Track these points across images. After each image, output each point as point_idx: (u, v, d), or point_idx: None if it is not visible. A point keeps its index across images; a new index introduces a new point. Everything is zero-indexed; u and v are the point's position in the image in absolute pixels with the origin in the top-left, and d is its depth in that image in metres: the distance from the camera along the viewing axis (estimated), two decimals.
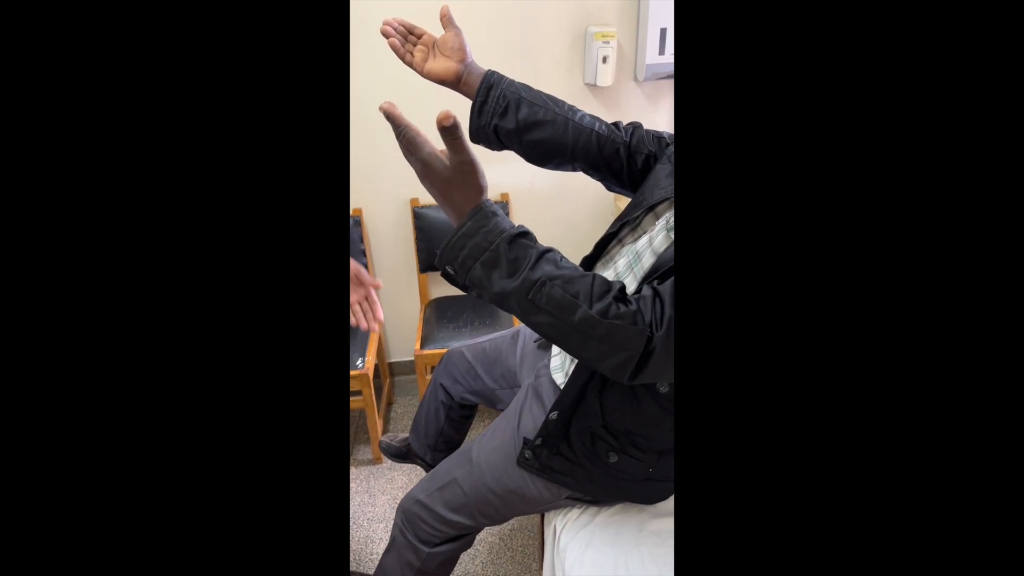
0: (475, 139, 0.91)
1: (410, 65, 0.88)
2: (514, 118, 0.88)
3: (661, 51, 1.62)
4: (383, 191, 1.79)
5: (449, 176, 0.63)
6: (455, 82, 0.88)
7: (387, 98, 1.64)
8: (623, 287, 0.65)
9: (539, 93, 0.90)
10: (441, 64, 0.87)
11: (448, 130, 0.60)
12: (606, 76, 1.64)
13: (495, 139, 0.91)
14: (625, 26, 1.65)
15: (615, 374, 0.65)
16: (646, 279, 0.71)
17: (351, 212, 1.78)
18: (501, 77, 0.89)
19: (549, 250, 0.65)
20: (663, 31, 1.59)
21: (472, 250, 0.63)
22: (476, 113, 0.88)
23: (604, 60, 1.62)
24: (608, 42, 1.60)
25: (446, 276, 0.67)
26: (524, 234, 0.65)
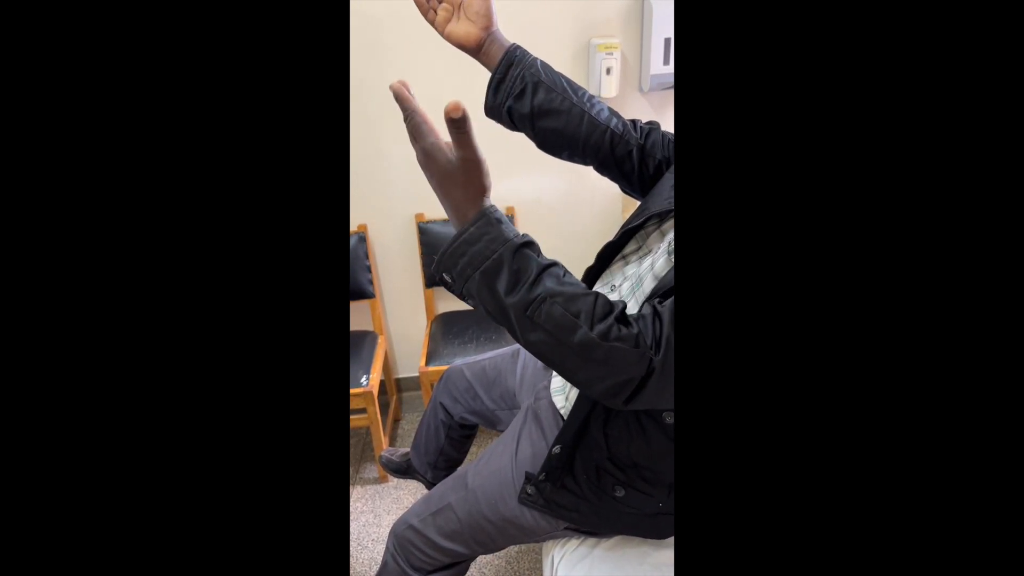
0: (489, 116, 0.88)
1: (431, 23, 0.83)
2: (529, 102, 0.83)
3: (666, 61, 1.59)
4: (388, 206, 1.78)
5: (451, 171, 0.59)
6: (476, 50, 0.83)
7: (391, 112, 1.65)
8: (624, 308, 0.62)
9: (559, 77, 0.85)
10: (464, 28, 0.81)
11: (456, 123, 0.56)
12: (610, 87, 1.61)
13: (509, 120, 0.86)
14: (629, 37, 1.63)
15: (609, 398, 0.61)
16: (647, 301, 0.67)
17: (356, 228, 1.78)
18: (524, 54, 0.83)
19: (553, 264, 0.62)
20: (667, 41, 1.57)
21: (473, 258, 0.59)
22: (492, 91, 0.84)
23: (608, 71, 1.60)
24: (611, 53, 1.58)
25: (443, 283, 0.64)
26: (529, 244, 0.61)
